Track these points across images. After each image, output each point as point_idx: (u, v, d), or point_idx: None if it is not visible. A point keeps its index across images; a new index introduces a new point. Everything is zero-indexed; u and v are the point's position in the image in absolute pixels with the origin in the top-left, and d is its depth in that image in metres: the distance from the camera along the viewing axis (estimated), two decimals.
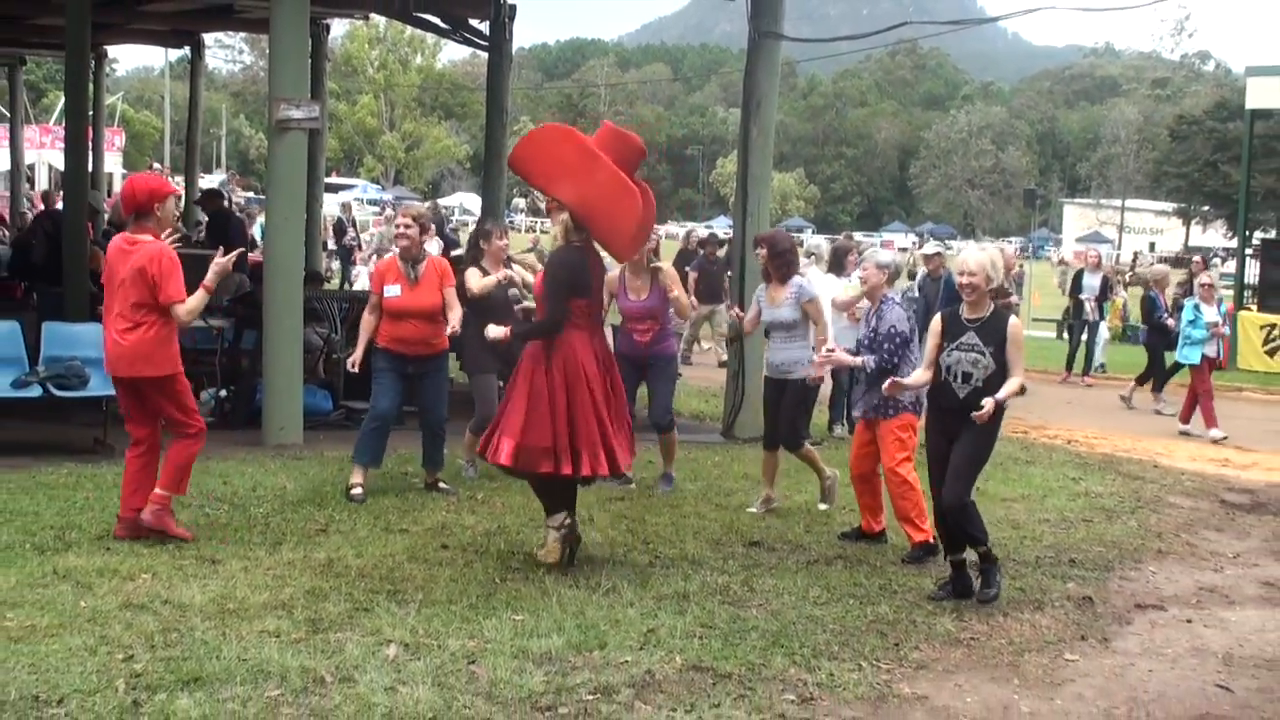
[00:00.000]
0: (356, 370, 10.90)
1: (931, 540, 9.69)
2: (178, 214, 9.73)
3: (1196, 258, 35.14)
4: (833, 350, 10.08)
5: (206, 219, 22.07)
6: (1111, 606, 8.87)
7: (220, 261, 9.22)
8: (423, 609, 7.70)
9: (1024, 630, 8.15)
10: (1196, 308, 17.65)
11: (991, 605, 8.48)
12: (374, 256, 39.71)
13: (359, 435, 10.93)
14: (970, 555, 8.71)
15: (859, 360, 9.82)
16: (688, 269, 21.75)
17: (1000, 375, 8.39)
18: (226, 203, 24.38)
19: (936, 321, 8.80)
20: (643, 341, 11.58)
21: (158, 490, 9.08)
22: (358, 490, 10.67)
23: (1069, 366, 23.90)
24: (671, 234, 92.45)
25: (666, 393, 11.91)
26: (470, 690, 6.43)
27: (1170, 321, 19.27)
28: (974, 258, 8.65)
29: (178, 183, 38.49)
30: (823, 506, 11.20)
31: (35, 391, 12.12)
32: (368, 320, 10.95)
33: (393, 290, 10.78)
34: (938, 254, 16.57)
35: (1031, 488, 12.52)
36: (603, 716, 6.23)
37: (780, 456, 11.14)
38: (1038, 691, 7.09)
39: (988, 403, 8.25)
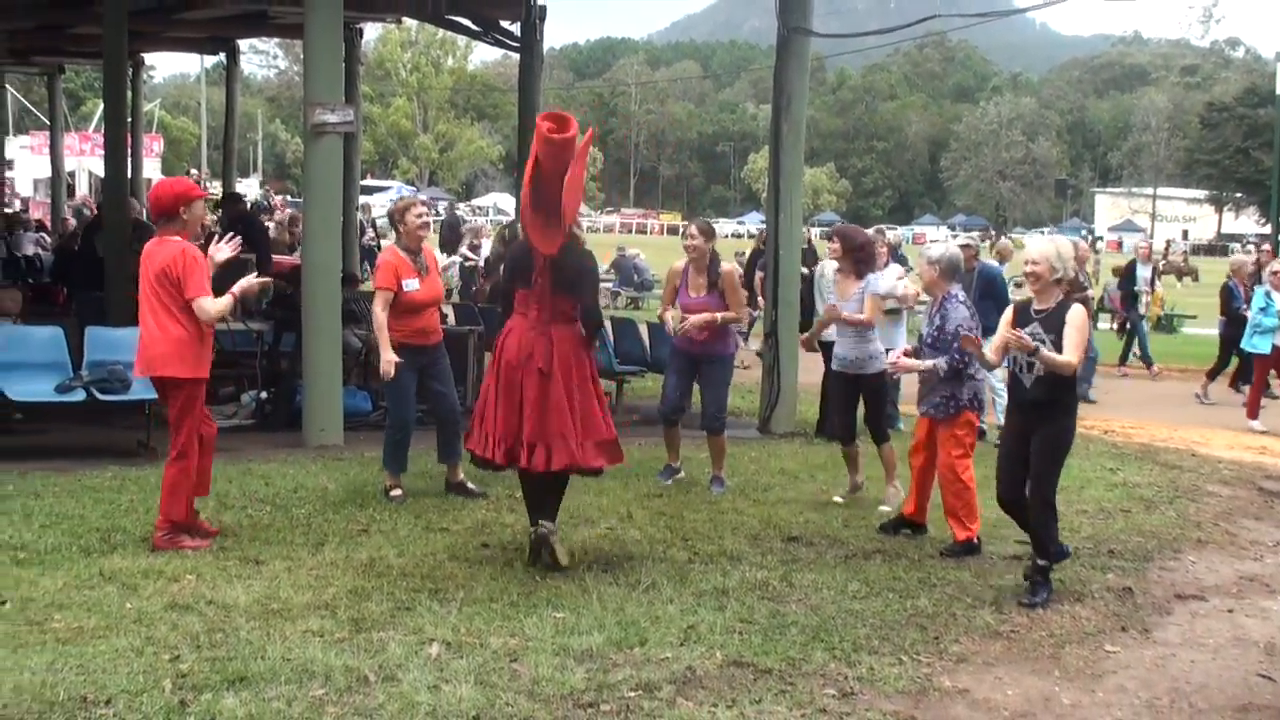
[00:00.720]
0: (393, 373, 10.74)
1: (975, 540, 9.71)
2: (205, 217, 9.76)
3: (1265, 246, 34.84)
4: (898, 358, 10.09)
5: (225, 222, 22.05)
6: (1151, 597, 8.87)
7: (256, 281, 9.52)
8: (464, 607, 7.75)
9: (1064, 622, 8.15)
10: (1268, 295, 17.39)
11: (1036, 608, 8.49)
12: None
13: (386, 445, 10.96)
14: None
15: (930, 364, 9.75)
16: (758, 268, 21.55)
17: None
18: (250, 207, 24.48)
19: (1008, 312, 8.88)
20: (700, 339, 11.46)
21: (161, 518, 9.05)
22: (397, 492, 10.73)
23: (1124, 360, 23.64)
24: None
25: (720, 394, 11.78)
26: (512, 688, 6.47)
27: (1247, 312, 18.99)
28: (1038, 248, 8.69)
29: (214, 188, 38.60)
30: (884, 508, 11.05)
31: (79, 395, 12.22)
32: (381, 318, 10.64)
33: (412, 284, 10.70)
34: (968, 246, 16.56)
35: (1069, 479, 12.43)
36: (644, 713, 6.26)
37: (861, 448, 11.41)
38: (1079, 683, 7.11)
39: (1024, 336, 8.30)
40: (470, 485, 11.03)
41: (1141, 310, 23.61)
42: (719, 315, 11.18)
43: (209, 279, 9.06)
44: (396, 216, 11.08)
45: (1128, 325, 23.92)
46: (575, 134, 8.60)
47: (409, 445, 10.97)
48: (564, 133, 8.54)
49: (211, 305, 8.99)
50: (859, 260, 11.25)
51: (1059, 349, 8.35)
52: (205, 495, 9.63)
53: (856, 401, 11.46)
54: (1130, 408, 18.75)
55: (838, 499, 11.22)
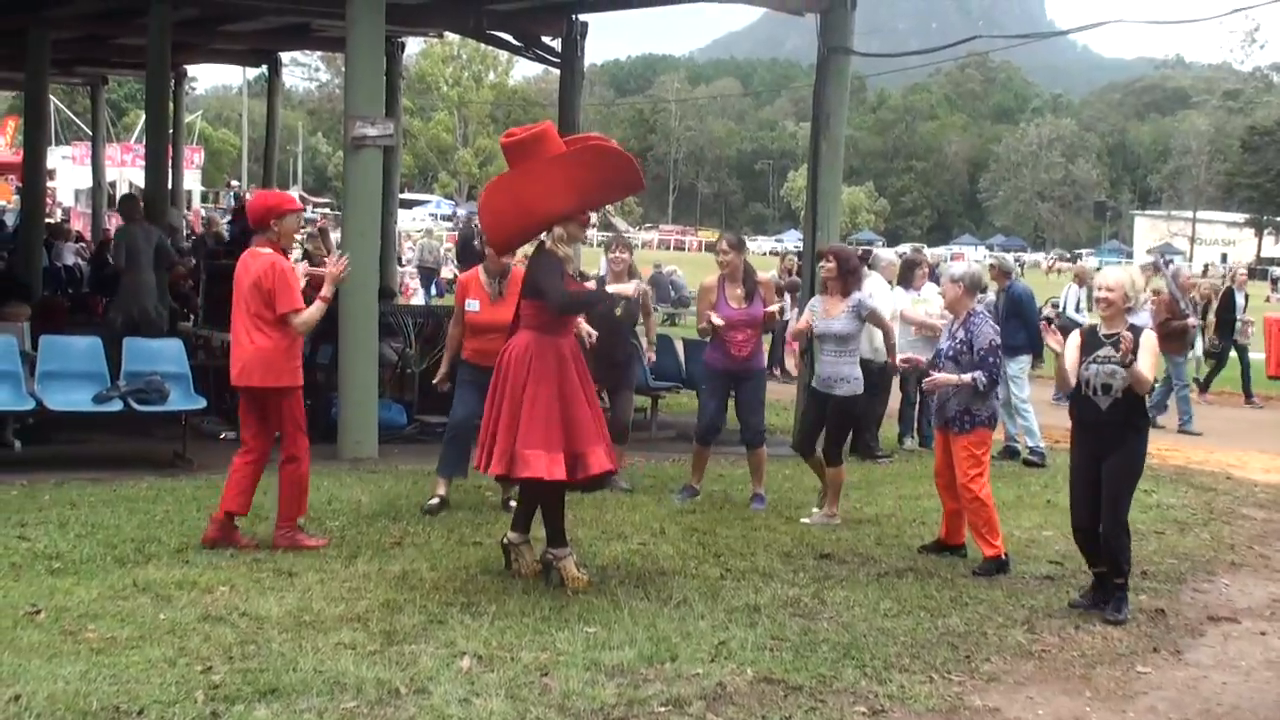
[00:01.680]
0: (444, 388, 10.94)
1: (1003, 556, 9.71)
2: (297, 229, 9.97)
3: None
4: (934, 375, 9.99)
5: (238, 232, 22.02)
6: (1184, 618, 8.84)
7: (332, 271, 9.57)
8: (496, 621, 7.76)
9: (1096, 642, 8.13)
10: None
11: (1064, 617, 8.49)
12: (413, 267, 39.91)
13: (443, 446, 11.02)
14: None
15: (968, 379, 9.72)
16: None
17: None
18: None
19: (1076, 335, 8.90)
20: (741, 355, 11.43)
21: (281, 516, 9.44)
22: (434, 500, 10.79)
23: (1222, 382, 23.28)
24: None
25: (758, 409, 11.84)
26: (543, 702, 6.48)
27: None
28: (1114, 275, 8.79)
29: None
30: (804, 521, 11.01)
31: (116, 406, 12.30)
32: (453, 334, 11.05)
33: (473, 305, 10.82)
34: (994, 265, 16.55)
35: None
36: None
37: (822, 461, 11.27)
38: (1110, 704, 7.08)
39: (1127, 335, 8.32)
40: (512, 502, 11.08)
41: (1240, 338, 23.26)
42: (970, 377, 9.98)
43: (299, 290, 9.33)
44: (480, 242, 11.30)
45: (1214, 353, 23.50)
46: (531, 134, 8.69)
47: (463, 449, 10.75)
48: (516, 135, 8.77)
49: (303, 317, 9.30)
50: (854, 279, 11.24)
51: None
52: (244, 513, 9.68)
53: (821, 420, 11.34)
54: (1233, 436, 18.62)
55: (805, 521, 11.07)
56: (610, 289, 9.53)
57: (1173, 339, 18.62)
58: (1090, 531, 8.74)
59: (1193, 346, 20.42)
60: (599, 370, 10.97)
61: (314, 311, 9.33)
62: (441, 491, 10.88)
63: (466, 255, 40.10)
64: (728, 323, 11.40)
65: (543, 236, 8.87)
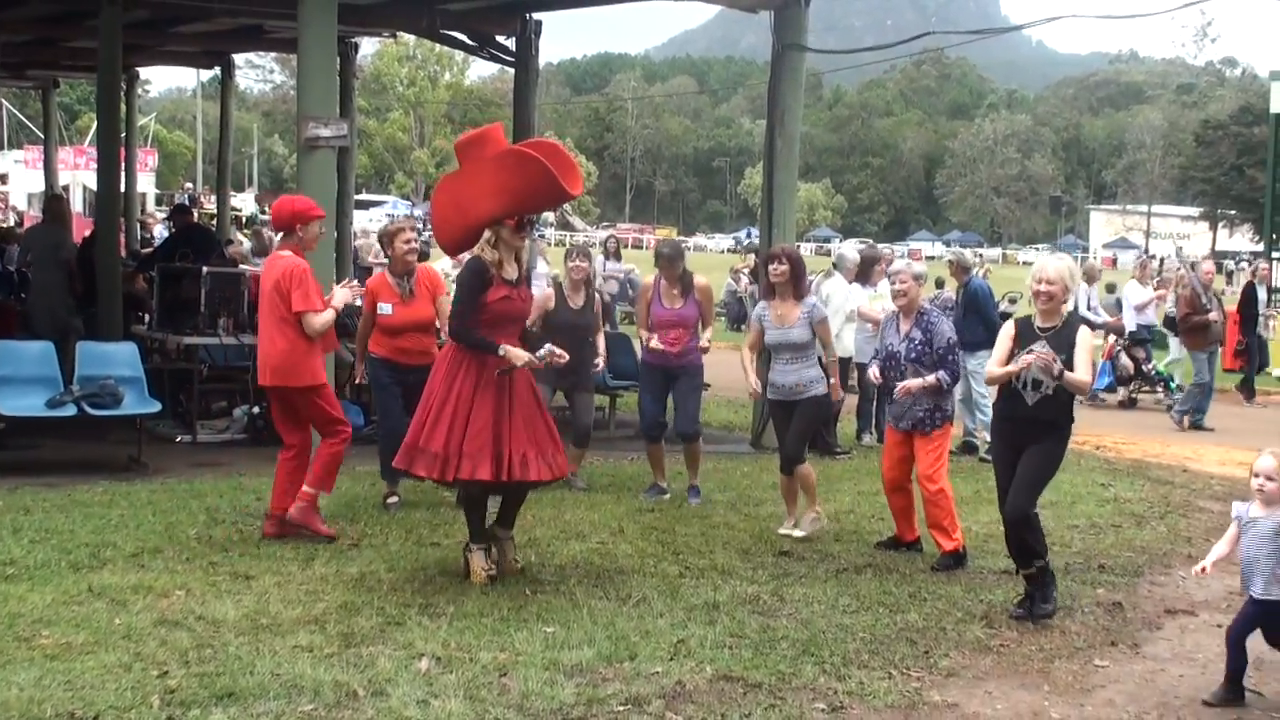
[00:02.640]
0: (362, 381, 11.28)
1: (961, 550, 9.74)
2: (320, 236, 10.38)
3: (1262, 264, 34.61)
4: (907, 383, 9.83)
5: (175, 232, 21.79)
6: (1141, 612, 8.88)
7: (348, 289, 10.17)
8: (454, 622, 7.75)
9: (1054, 637, 8.16)
10: None
11: (1020, 612, 8.50)
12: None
13: (380, 455, 11.07)
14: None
15: (933, 380, 9.69)
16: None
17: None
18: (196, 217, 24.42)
19: (1010, 326, 8.73)
20: (673, 351, 11.58)
21: (305, 488, 9.73)
22: (393, 499, 10.95)
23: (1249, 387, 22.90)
24: (700, 245, 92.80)
25: (693, 403, 12.02)
26: (502, 702, 6.46)
27: None
28: (1053, 266, 8.56)
29: (210, 201, 38.57)
30: (797, 533, 10.58)
31: (70, 410, 12.21)
32: (363, 334, 11.24)
33: (385, 309, 10.95)
34: (953, 261, 16.60)
35: (1061, 494, 12.49)
36: None
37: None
38: (1068, 698, 7.11)
39: (1044, 354, 8.23)
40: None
41: (1266, 333, 23.08)
42: (935, 378, 9.91)
43: (317, 294, 9.64)
44: (386, 240, 11.42)
45: (1242, 350, 23.32)
46: (473, 134, 8.91)
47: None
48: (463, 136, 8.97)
49: (316, 319, 9.60)
50: (803, 283, 11.00)
51: (1068, 367, 8.30)
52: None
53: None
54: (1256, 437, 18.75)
55: (784, 531, 10.74)
56: (504, 353, 9.20)
57: (1195, 334, 18.53)
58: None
59: (1221, 341, 20.11)
60: (557, 374, 11.02)
61: (326, 317, 9.66)
62: (393, 488, 11.06)
63: (179, 244, 39.91)
64: (659, 322, 11.65)
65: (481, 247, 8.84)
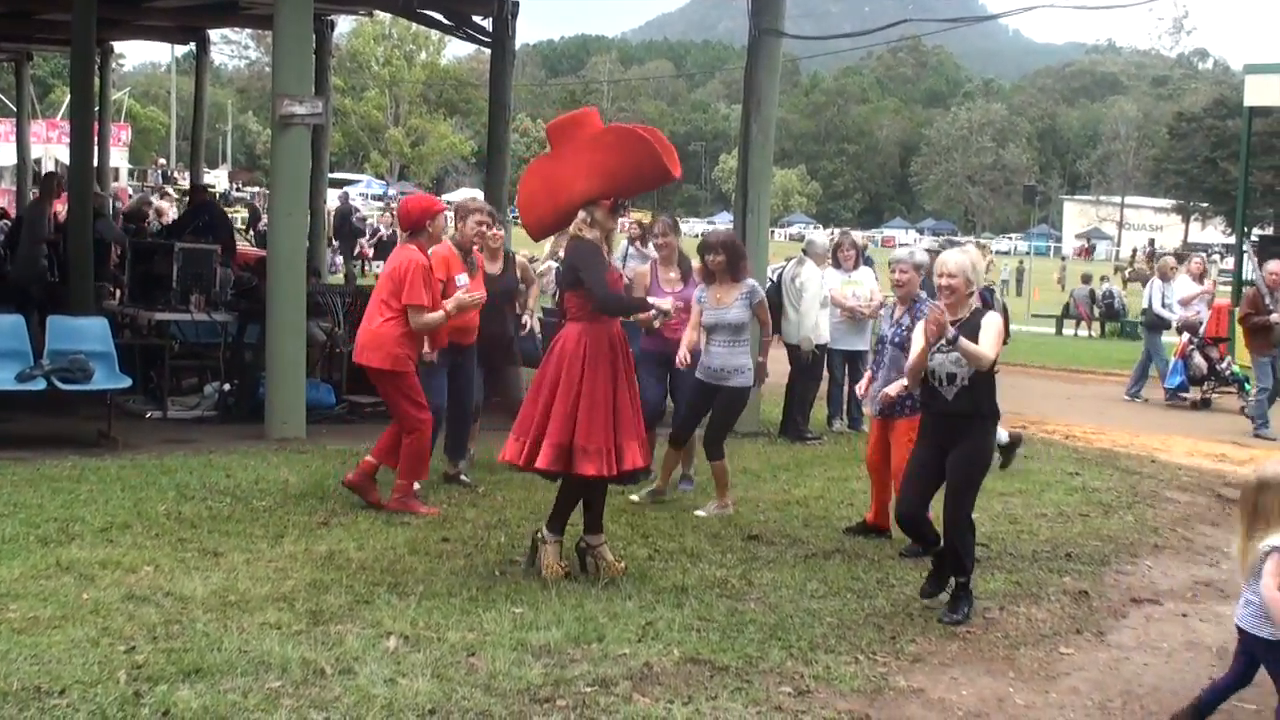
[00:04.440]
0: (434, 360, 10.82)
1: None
2: (446, 226, 10.74)
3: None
4: (884, 393, 9.74)
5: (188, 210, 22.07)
6: (1107, 600, 8.92)
7: (462, 298, 10.27)
8: (423, 601, 7.74)
9: (1020, 624, 8.20)
10: None
11: (989, 599, 8.53)
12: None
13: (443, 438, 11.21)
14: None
15: (905, 384, 9.65)
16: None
17: (987, 375, 8.14)
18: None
19: (922, 323, 8.44)
20: (675, 338, 11.07)
21: (398, 480, 10.16)
22: (464, 478, 11.27)
23: None
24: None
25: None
26: (469, 682, 6.47)
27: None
28: (954, 259, 8.39)
29: (184, 177, 38.40)
30: (699, 513, 10.68)
31: (39, 385, 12.16)
32: (438, 319, 10.61)
33: (463, 279, 10.76)
34: (932, 252, 16.63)
35: (1029, 482, 12.56)
36: (601, 708, 6.26)
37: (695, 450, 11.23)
38: (1033, 684, 7.14)
39: (936, 306, 8.19)
40: (464, 478, 11.27)
41: None
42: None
43: (431, 291, 9.97)
44: (459, 215, 11.23)
45: None
46: (569, 117, 8.66)
47: (435, 437, 10.88)
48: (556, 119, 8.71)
49: (423, 316, 9.98)
50: (740, 265, 10.89)
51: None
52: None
53: (705, 411, 11.06)
54: (1078, 412, 18.83)
55: (635, 498, 10.91)
56: (653, 302, 9.07)
57: (1257, 335, 18.06)
58: (914, 519, 8.53)
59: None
60: (484, 350, 11.21)
61: (433, 317, 10.03)
62: (455, 469, 11.35)
63: (344, 232, 39.97)
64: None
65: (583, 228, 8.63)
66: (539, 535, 8.73)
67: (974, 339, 8.08)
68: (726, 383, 10.72)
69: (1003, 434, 12.03)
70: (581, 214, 8.51)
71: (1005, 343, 8.54)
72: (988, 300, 13.84)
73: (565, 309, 8.75)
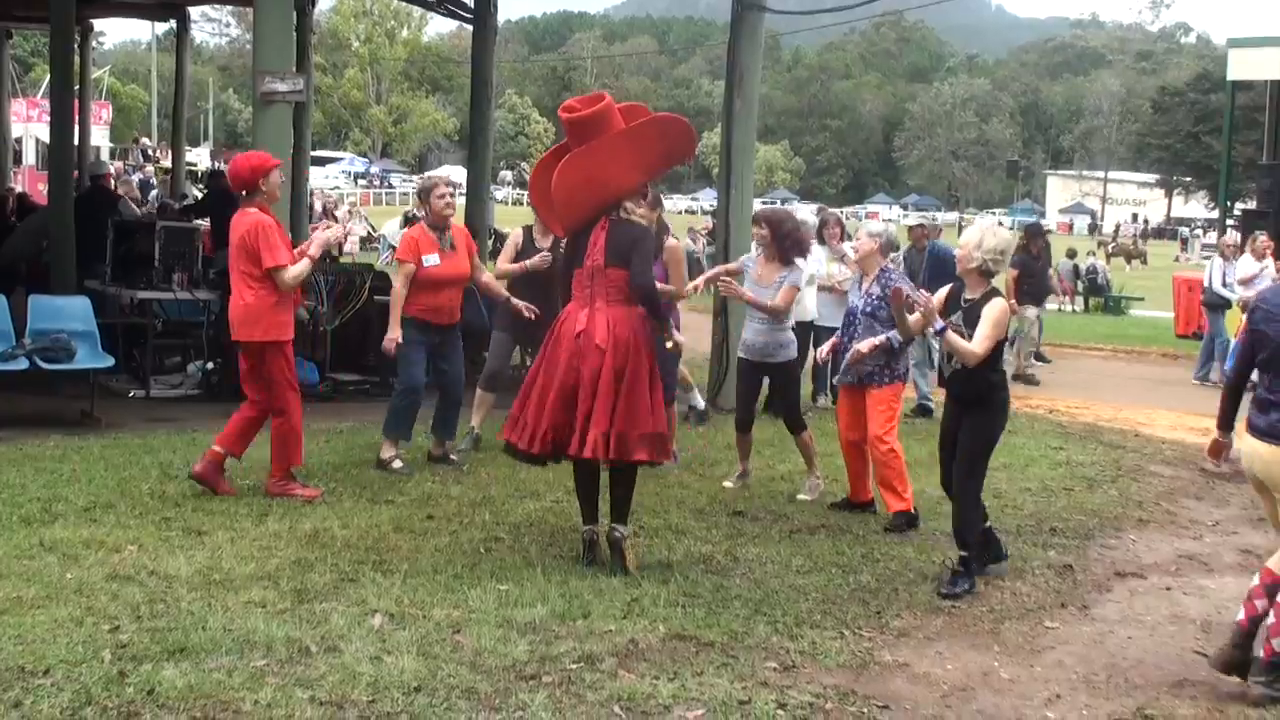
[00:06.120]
0: (393, 351, 10.78)
1: (912, 510, 9.78)
2: (280, 182, 10.19)
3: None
4: (855, 350, 9.83)
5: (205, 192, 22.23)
6: (1091, 574, 8.95)
7: (324, 236, 10.15)
8: (408, 579, 7.74)
9: (1004, 598, 8.22)
10: None
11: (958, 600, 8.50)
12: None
13: (392, 409, 11.03)
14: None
15: (882, 340, 9.69)
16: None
17: (983, 359, 8.17)
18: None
19: (942, 292, 8.67)
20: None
21: (274, 465, 9.80)
22: (398, 464, 10.85)
23: None
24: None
25: (670, 368, 11.73)
26: (454, 659, 6.47)
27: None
28: (973, 237, 8.46)
29: (165, 155, 38.19)
30: (802, 496, 10.71)
31: (21, 364, 12.10)
32: (400, 293, 10.80)
33: (432, 259, 10.77)
34: (920, 225, 16.62)
35: (1014, 457, 12.57)
36: (586, 685, 6.27)
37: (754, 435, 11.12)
38: (1018, 658, 7.17)
39: (899, 288, 8.74)
40: (453, 456, 11.22)
41: None
42: (884, 338, 9.91)
43: (285, 247, 9.65)
44: (422, 195, 11.29)
45: None
46: (596, 110, 8.35)
47: (415, 414, 11.05)
48: (579, 111, 8.40)
49: (288, 274, 9.59)
50: (787, 246, 10.77)
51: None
52: (237, 455, 9.93)
53: (759, 390, 11.26)
54: (1065, 388, 18.86)
55: (728, 484, 10.93)
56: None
57: None
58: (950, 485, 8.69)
59: None
60: (533, 334, 10.96)
61: (301, 267, 9.70)
62: (394, 452, 10.95)
63: (215, 205, 39.79)
64: None
65: (631, 206, 8.63)
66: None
67: (973, 323, 8.19)
68: (774, 359, 10.77)
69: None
70: (628, 203, 8.51)
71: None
72: (950, 257, 13.88)
73: (606, 287, 8.28)
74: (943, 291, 8.66)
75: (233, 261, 9.65)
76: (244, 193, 9.78)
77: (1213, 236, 30.29)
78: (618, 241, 8.26)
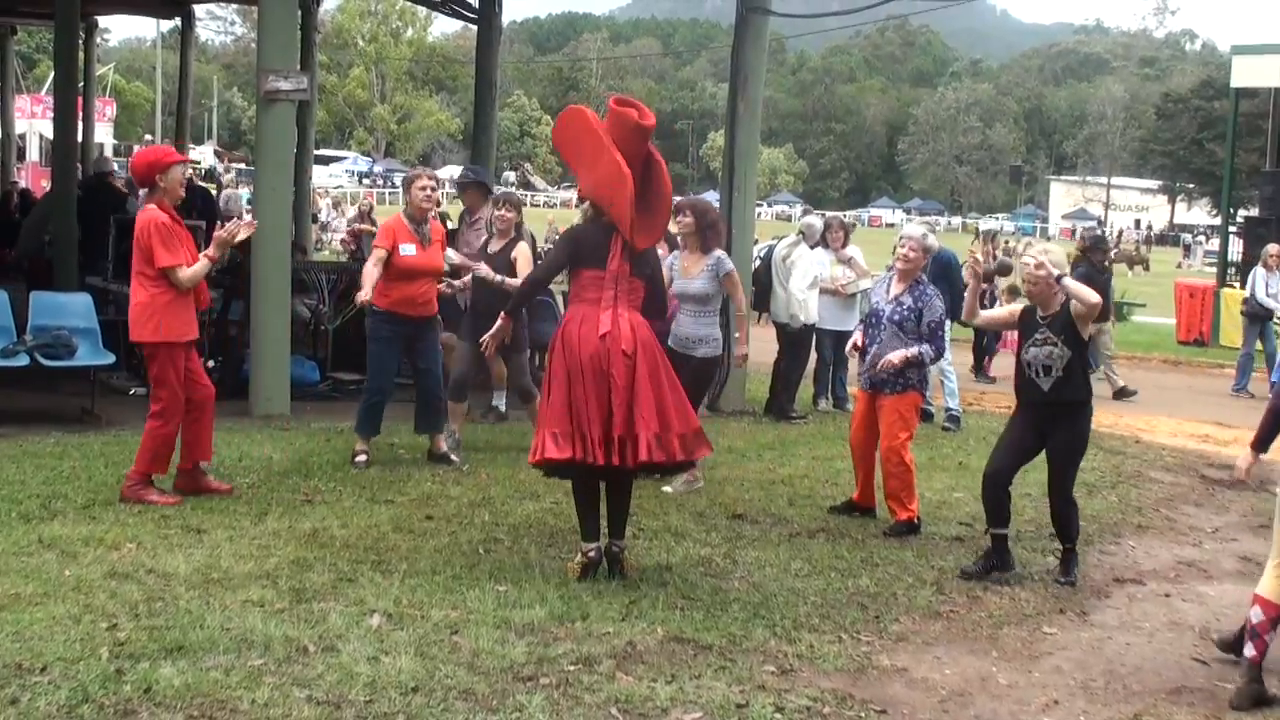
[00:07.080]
0: (368, 301, 10.68)
1: (916, 520, 9.77)
2: (183, 178, 9.88)
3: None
4: (889, 358, 9.74)
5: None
6: (1090, 580, 8.94)
7: (220, 235, 9.57)
8: (406, 579, 7.74)
9: (1003, 603, 8.21)
10: None
11: (972, 580, 8.54)
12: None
13: (360, 409, 11.07)
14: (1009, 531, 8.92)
15: (914, 352, 9.68)
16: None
17: (1079, 359, 8.49)
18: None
19: (1017, 309, 8.96)
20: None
21: (134, 467, 9.38)
22: (362, 458, 10.88)
23: None
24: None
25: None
26: (452, 660, 6.46)
27: None
28: (1037, 251, 8.73)
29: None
30: (666, 489, 10.57)
31: (22, 360, 12.11)
32: (371, 270, 10.79)
33: (408, 249, 10.81)
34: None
35: None
36: (584, 687, 6.25)
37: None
38: (1016, 664, 7.16)
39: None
40: (453, 456, 11.20)
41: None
42: (916, 350, 9.86)
43: (180, 245, 9.31)
44: (405, 186, 11.35)
45: None
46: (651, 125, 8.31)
47: (383, 411, 11.09)
48: (644, 121, 8.25)
49: (184, 274, 9.29)
50: (713, 234, 10.85)
51: (1072, 348, 8.41)
52: (207, 460, 9.78)
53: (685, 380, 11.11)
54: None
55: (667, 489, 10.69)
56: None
57: None
58: (999, 481, 8.74)
59: None
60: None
61: (197, 269, 9.37)
62: (364, 447, 10.98)
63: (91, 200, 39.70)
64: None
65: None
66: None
67: (1061, 330, 8.45)
68: (694, 352, 10.69)
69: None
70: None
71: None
72: (953, 263, 13.94)
73: (629, 291, 8.10)
74: (1015, 306, 8.88)
75: (134, 260, 9.40)
76: (147, 190, 9.56)
77: (1215, 243, 30.18)
78: (646, 253, 8.21)
